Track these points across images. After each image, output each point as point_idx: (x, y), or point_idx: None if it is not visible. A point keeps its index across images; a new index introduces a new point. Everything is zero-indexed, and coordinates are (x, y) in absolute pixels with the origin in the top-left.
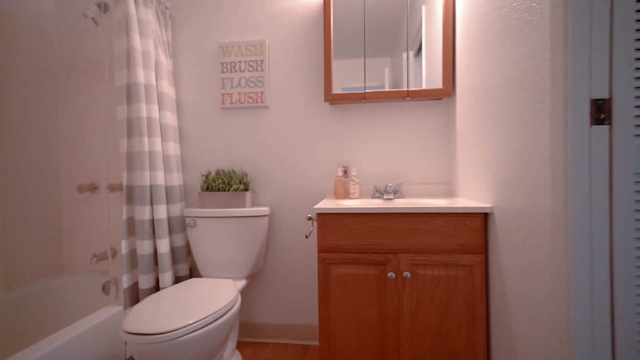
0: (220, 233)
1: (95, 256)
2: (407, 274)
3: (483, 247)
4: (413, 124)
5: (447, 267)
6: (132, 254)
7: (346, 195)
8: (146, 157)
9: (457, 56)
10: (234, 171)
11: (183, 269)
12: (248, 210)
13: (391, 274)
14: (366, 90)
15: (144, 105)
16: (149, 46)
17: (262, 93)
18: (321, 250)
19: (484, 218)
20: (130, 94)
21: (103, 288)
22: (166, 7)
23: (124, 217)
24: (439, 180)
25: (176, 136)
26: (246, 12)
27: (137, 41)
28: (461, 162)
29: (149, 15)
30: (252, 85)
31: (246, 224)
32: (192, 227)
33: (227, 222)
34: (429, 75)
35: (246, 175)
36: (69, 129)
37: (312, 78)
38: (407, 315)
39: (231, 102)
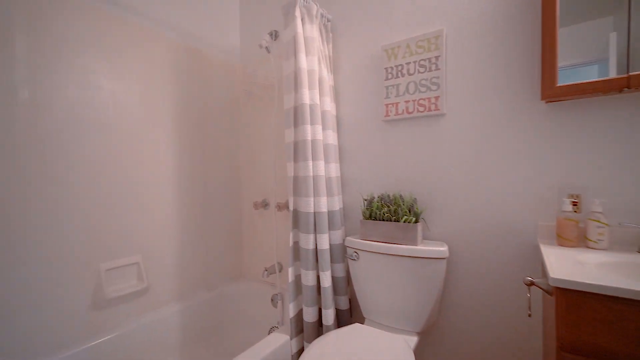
0: (386, 272)
1: (266, 270)
2: None
3: None
4: None
5: None
6: (297, 280)
7: (579, 241)
8: (310, 182)
9: None
10: (401, 197)
11: (343, 302)
12: (421, 249)
13: None
14: (631, 74)
15: (308, 128)
16: (313, 64)
17: (436, 98)
18: (565, 347)
19: None
20: (296, 116)
21: (272, 300)
22: (328, 20)
23: (291, 242)
24: None
25: (337, 156)
26: (416, 0)
27: (303, 61)
28: None
29: (314, 31)
30: (423, 89)
31: (418, 265)
32: (354, 260)
33: (395, 260)
34: None
35: (415, 201)
36: (248, 151)
37: (511, 69)
38: None
39: (397, 113)
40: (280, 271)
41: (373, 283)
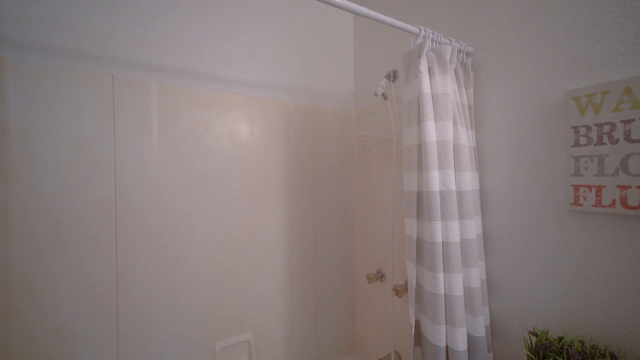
0: None
1: None
2: None
3: None
4: None
5: None
6: None
7: None
8: (441, 303)
9: None
10: (613, 358)
11: None
12: None
13: None
14: None
15: (438, 226)
16: (446, 131)
17: None
18: None
19: None
20: (420, 205)
21: None
22: (467, 54)
23: None
24: None
25: (482, 252)
26: None
27: (431, 131)
28: None
29: (447, 85)
30: None
31: None
32: None
33: None
34: None
35: None
36: (362, 214)
37: None
38: None
39: (598, 203)
40: None
41: None
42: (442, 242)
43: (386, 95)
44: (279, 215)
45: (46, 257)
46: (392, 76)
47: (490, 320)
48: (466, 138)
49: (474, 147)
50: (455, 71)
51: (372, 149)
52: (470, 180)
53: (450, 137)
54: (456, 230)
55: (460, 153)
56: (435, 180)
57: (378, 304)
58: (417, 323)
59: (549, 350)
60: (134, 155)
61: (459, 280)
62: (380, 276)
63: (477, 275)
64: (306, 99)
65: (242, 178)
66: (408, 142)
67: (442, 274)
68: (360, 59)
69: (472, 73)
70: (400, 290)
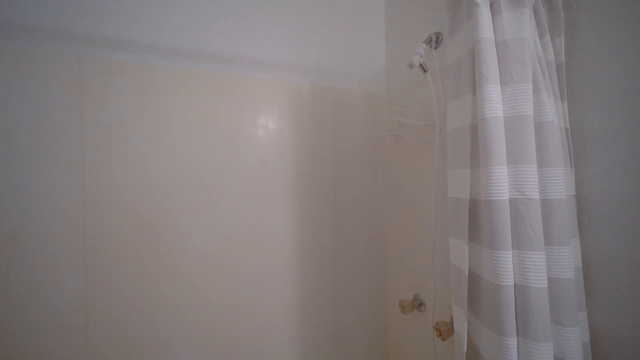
0: None
1: None
2: None
3: None
4: None
5: None
6: None
7: None
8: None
9: None
10: None
11: None
12: None
13: None
14: None
15: (508, 259)
16: (521, 100)
17: None
18: None
19: None
20: (476, 224)
21: None
22: None
23: None
24: None
25: (582, 301)
26: None
27: (495, 101)
28: None
29: (524, 26)
30: None
31: None
32: None
33: None
34: None
35: None
36: (393, 221)
37: None
38: None
39: None
40: None
41: None
42: (516, 284)
43: (425, 67)
44: (289, 224)
45: (1, 271)
46: (435, 41)
47: None
48: (554, 113)
49: (566, 129)
50: (535, 11)
51: (408, 139)
52: (563, 182)
53: (530, 109)
54: (541, 265)
55: (547, 137)
56: (502, 182)
57: (417, 340)
58: None
59: None
60: (107, 152)
61: (546, 352)
62: (418, 304)
63: (576, 338)
64: (323, 79)
65: (244, 179)
66: (455, 122)
67: (515, 339)
68: (394, 26)
69: (562, 14)
70: (444, 331)
